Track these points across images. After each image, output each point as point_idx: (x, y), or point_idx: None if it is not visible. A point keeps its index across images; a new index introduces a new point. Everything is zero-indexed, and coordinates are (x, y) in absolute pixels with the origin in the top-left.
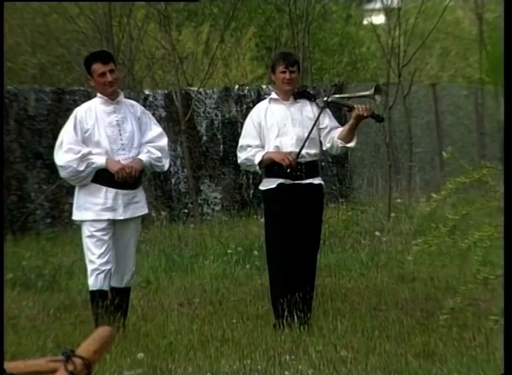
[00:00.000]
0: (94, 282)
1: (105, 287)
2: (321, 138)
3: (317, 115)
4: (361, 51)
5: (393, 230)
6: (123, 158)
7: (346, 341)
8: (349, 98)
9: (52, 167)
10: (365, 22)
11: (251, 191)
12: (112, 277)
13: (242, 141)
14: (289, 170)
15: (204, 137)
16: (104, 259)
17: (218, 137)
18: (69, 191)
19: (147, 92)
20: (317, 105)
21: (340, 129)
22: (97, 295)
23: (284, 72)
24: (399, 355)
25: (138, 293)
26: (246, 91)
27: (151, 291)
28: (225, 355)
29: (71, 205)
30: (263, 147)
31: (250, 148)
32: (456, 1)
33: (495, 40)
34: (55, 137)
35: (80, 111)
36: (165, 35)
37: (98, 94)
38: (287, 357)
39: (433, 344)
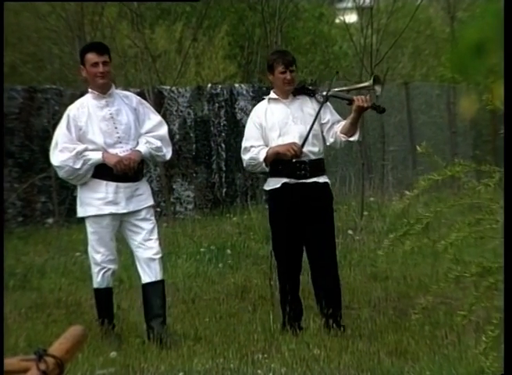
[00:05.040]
0: (100, 280)
1: (111, 285)
2: (324, 133)
3: (317, 110)
4: (334, 49)
5: (366, 228)
6: (121, 151)
7: (318, 339)
8: (348, 90)
9: (24, 166)
10: (338, 21)
11: (224, 190)
12: (141, 274)
13: (245, 143)
14: (294, 160)
15: (177, 136)
16: (108, 257)
17: (191, 135)
18: (41, 190)
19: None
20: (316, 100)
21: (342, 122)
22: (104, 293)
23: (284, 72)
24: (371, 353)
25: None
26: (218, 90)
27: (123, 290)
28: (197, 354)
29: (43, 203)
30: (266, 146)
31: (253, 147)
32: (429, 0)
33: (465, 35)
34: (27, 136)
35: (73, 109)
36: (137, 34)
37: (89, 90)
38: (260, 355)
39: (406, 343)
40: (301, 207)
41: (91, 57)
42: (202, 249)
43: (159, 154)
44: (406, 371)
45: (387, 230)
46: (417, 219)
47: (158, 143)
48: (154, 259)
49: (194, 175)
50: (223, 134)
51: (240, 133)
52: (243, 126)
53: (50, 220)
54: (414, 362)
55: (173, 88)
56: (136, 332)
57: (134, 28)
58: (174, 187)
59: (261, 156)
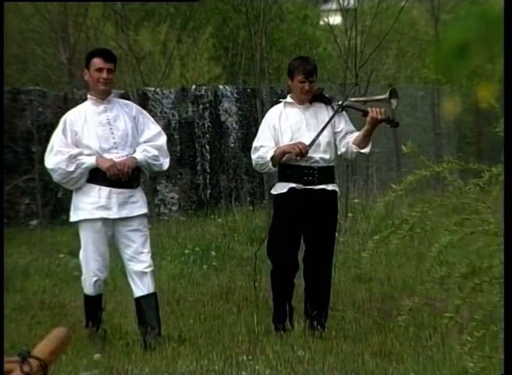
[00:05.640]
0: (92, 288)
1: (101, 291)
2: (337, 142)
3: (330, 117)
4: (318, 51)
5: (350, 230)
6: (116, 156)
7: (303, 341)
8: (365, 101)
9: (8, 167)
10: (322, 22)
11: (208, 192)
12: (133, 288)
13: (256, 143)
14: (299, 158)
15: None
16: (100, 264)
17: (175, 137)
18: (25, 192)
19: None
20: (332, 108)
21: (356, 134)
22: (94, 300)
23: (303, 82)
24: (356, 354)
25: None
26: (203, 91)
27: (107, 292)
28: (182, 356)
29: (27, 205)
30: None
31: (263, 147)
32: (412, 2)
33: (447, 37)
34: (10, 137)
35: (70, 114)
36: (122, 35)
37: (89, 96)
38: (244, 357)
39: (390, 344)
40: (306, 212)
41: (97, 62)
42: (186, 251)
43: (156, 163)
44: (390, 372)
45: (371, 232)
46: (402, 219)
47: (156, 152)
48: (145, 273)
49: (179, 176)
50: (207, 136)
51: (224, 135)
52: (228, 128)
53: (34, 222)
54: (399, 364)
55: (157, 90)
56: (120, 334)
57: (118, 30)
58: (158, 188)
59: (269, 155)
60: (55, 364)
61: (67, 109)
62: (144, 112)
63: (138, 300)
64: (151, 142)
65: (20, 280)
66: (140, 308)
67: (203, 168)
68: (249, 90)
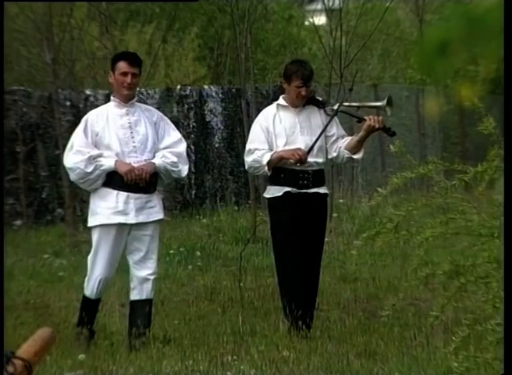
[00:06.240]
0: (95, 290)
1: (101, 296)
2: (328, 146)
3: (325, 122)
4: (303, 51)
5: (335, 230)
6: (135, 160)
7: (288, 341)
8: (358, 107)
9: None
10: (307, 23)
11: (193, 192)
12: (131, 290)
13: (249, 146)
14: (298, 164)
15: None
16: (108, 269)
17: None
18: (9, 192)
19: (88, 92)
20: (325, 112)
21: (347, 138)
22: (93, 304)
23: (300, 87)
24: (340, 354)
25: (79, 294)
26: (188, 92)
27: None
28: (167, 356)
29: (11, 205)
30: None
31: (258, 150)
32: (397, 2)
33: (430, 36)
34: None
35: (92, 114)
36: (107, 35)
37: (112, 97)
38: (229, 357)
39: (375, 344)
40: (301, 216)
41: (122, 66)
42: (171, 251)
43: (174, 169)
44: (375, 372)
45: (356, 232)
46: (388, 219)
47: (175, 158)
48: (148, 279)
49: None
50: (192, 136)
51: (209, 135)
52: (213, 128)
53: (18, 222)
54: (383, 364)
55: (142, 90)
56: (105, 334)
57: (103, 30)
58: None
59: (265, 160)
60: (40, 364)
61: (52, 109)
62: (166, 118)
63: (133, 303)
64: (170, 148)
65: (5, 281)
66: (134, 313)
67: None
68: (234, 90)
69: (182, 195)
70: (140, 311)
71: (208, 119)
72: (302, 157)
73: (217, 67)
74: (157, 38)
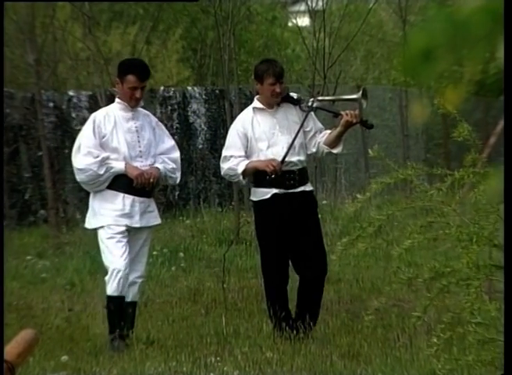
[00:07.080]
0: (116, 287)
1: (124, 293)
2: (306, 141)
3: (302, 118)
4: (287, 53)
5: None
6: (140, 165)
7: (271, 342)
8: (333, 101)
9: None
10: (290, 24)
11: (177, 193)
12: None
13: (225, 152)
14: (273, 176)
15: None
16: (126, 261)
17: None
18: None
19: (71, 93)
20: (301, 108)
21: (325, 132)
22: (117, 302)
23: (274, 84)
24: (324, 356)
25: (62, 295)
26: (171, 93)
27: (75, 294)
28: (150, 357)
29: None
30: (247, 158)
31: (234, 158)
32: (380, 3)
33: (414, 39)
34: None
35: (99, 115)
36: (90, 36)
37: (117, 100)
38: (213, 359)
39: (358, 345)
40: (291, 217)
41: (132, 80)
42: (155, 252)
43: (172, 175)
44: (358, 373)
45: (340, 233)
46: (369, 222)
47: (173, 165)
48: (135, 283)
49: None
50: (176, 137)
51: (192, 136)
52: (196, 129)
53: None
54: (367, 365)
55: None
56: (88, 336)
57: (86, 31)
58: None
59: (240, 169)
60: (23, 366)
61: (35, 111)
62: (160, 124)
63: None
64: (167, 155)
65: None
66: None
67: None
68: (217, 91)
69: (165, 196)
70: (124, 313)
71: (191, 121)
72: (276, 167)
73: (200, 68)
74: (140, 39)
